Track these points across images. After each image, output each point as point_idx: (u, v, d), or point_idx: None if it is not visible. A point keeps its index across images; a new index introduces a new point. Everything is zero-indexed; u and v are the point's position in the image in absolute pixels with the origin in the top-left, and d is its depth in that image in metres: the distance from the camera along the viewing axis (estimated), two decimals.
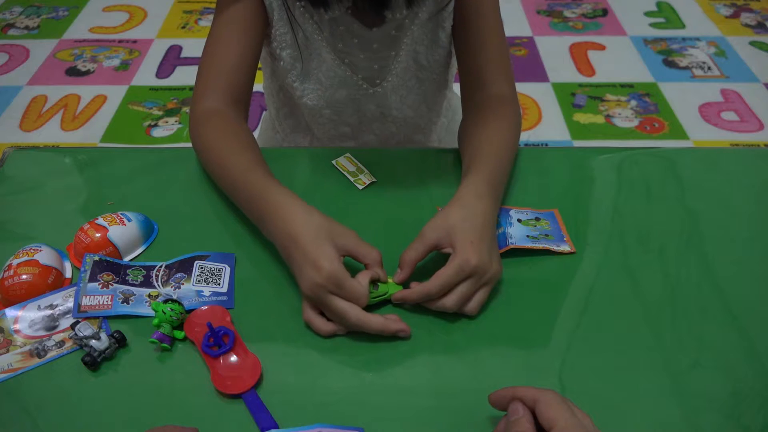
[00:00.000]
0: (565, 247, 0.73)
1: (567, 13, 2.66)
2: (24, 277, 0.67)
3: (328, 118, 0.96)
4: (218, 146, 0.78)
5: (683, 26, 2.57)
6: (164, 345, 0.63)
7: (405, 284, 0.68)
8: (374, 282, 0.66)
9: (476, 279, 0.65)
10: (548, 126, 2.08)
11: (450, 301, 0.65)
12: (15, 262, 0.68)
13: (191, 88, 0.84)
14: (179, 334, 0.64)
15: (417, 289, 0.65)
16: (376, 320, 0.63)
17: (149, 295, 0.67)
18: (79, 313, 0.65)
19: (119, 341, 0.63)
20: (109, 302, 0.66)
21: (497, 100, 0.85)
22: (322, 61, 0.89)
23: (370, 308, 0.66)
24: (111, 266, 0.69)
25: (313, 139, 1.03)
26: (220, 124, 0.79)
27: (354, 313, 0.63)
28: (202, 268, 0.70)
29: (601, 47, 2.46)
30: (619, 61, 2.38)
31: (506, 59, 0.88)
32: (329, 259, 0.63)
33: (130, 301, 0.67)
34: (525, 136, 2.02)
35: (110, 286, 0.68)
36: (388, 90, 0.93)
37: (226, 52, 0.83)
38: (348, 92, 0.93)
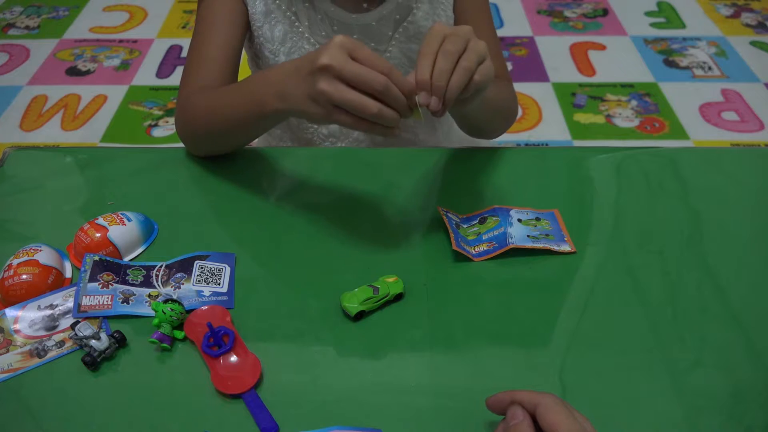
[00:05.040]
0: (566, 247, 0.73)
1: (567, 13, 2.66)
2: (24, 277, 0.67)
3: None
4: (209, 99, 0.78)
5: (684, 26, 2.57)
6: (164, 345, 0.63)
7: (407, 281, 0.68)
8: (374, 287, 0.66)
9: (455, 34, 0.62)
10: (548, 126, 2.07)
11: (447, 44, 0.61)
12: (15, 262, 0.68)
13: None
14: (179, 334, 0.64)
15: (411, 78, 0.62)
16: (406, 79, 0.61)
17: (149, 295, 0.67)
18: (79, 313, 0.65)
19: (119, 341, 0.63)
20: (109, 302, 0.66)
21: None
22: (304, 53, 0.89)
23: (371, 314, 0.66)
24: (111, 266, 0.69)
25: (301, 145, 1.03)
26: (205, 90, 0.80)
27: (383, 62, 0.59)
28: (202, 268, 0.70)
29: (602, 47, 2.46)
30: (619, 61, 2.38)
31: (503, 60, 0.92)
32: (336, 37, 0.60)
33: (130, 301, 0.67)
34: (525, 136, 2.02)
35: (110, 286, 0.68)
36: None
37: (208, 46, 0.84)
38: None
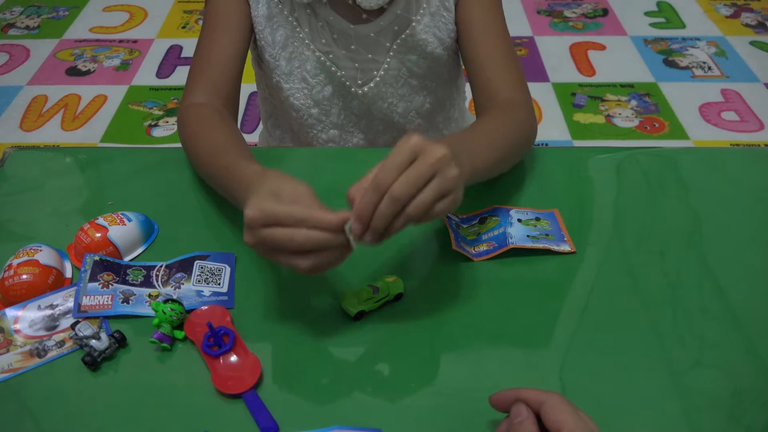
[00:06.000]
0: (566, 247, 0.73)
1: (567, 13, 2.66)
2: (24, 277, 0.67)
3: (316, 118, 0.95)
4: (199, 136, 0.78)
5: (683, 26, 2.57)
6: (164, 345, 0.63)
7: (407, 281, 0.68)
8: (374, 287, 0.66)
9: (423, 161, 0.56)
10: (548, 126, 2.07)
11: (398, 185, 0.55)
12: (15, 262, 0.68)
13: None
14: (179, 334, 0.64)
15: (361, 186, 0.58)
16: (328, 216, 0.57)
17: (149, 295, 0.67)
18: (79, 313, 0.65)
19: (119, 341, 0.63)
20: (109, 302, 0.66)
21: (506, 103, 0.82)
22: (305, 59, 0.89)
23: (371, 314, 0.66)
24: (111, 266, 0.69)
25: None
26: (203, 115, 0.80)
27: (301, 232, 0.56)
28: (202, 268, 0.70)
29: (602, 47, 2.46)
30: (619, 61, 2.38)
31: (517, 68, 0.85)
32: (258, 200, 0.58)
33: (130, 301, 0.67)
34: None
35: (110, 286, 0.68)
36: (373, 94, 0.93)
37: (213, 49, 0.85)
38: (334, 89, 0.92)
